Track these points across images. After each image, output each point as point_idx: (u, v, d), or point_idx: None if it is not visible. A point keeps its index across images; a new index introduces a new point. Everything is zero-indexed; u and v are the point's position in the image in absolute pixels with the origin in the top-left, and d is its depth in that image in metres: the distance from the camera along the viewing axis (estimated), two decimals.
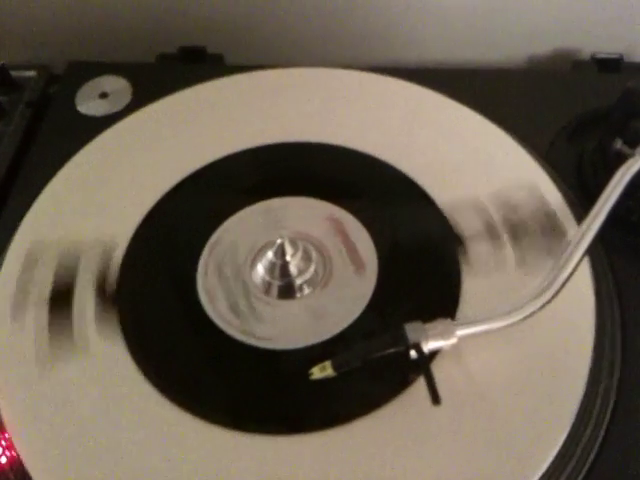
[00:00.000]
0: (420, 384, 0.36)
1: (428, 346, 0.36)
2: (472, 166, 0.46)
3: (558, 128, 0.49)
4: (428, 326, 0.37)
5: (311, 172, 0.46)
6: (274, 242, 0.40)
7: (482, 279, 0.41)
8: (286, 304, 0.40)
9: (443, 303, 0.40)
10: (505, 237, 0.42)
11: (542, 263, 0.40)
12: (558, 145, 0.49)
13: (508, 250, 0.42)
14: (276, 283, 0.41)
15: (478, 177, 0.45)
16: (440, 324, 0.37)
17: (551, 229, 0.42)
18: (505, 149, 0.47)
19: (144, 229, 0.44)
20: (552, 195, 0.44)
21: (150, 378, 0.37)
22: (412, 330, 0.36)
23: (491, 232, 0.43)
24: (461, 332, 0.37)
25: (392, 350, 0.36)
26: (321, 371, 0.36)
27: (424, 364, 0.35)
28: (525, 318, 0.37)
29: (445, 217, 0.43)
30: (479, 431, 0.35)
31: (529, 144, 0.48)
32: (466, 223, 0.43)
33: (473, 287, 0.40)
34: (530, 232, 0.42)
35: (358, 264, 0.41)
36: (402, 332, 0.36)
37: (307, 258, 0.41)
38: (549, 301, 0.37)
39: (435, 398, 0.33)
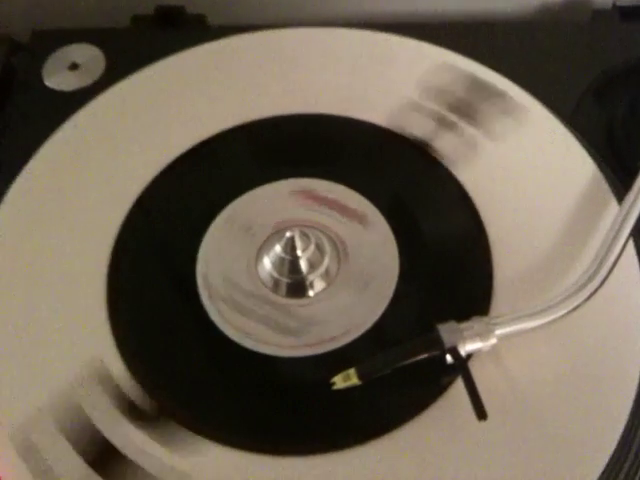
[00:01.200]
0: (456, 389, 0.33)
1: (465, 348, 0.32)
2: None
3: (581, 88, 0.44)
4: (463, 326, 0.33)
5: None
6: (283, 236, 0.35)
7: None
8: (300, 302, 0.36)
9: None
10: (459, 120, 0.41)
11: (507, 127, 0.41)
12: (583, 108, 0.44)
13: (471, 130, 0.40)
14: (285, 280, 0.36)
15: None
16: (476, 323, 0.33)
17: (490, 94, 0.41)
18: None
19: (132, 220, 0.39)
20: (588, 168, 0.39)
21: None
22: (446, 331, 0.32)
23: (444, 123, 0.41)
24: (501, 331, 0.33)
25: (425, 355, 0.32)
26: (344, 380, 0.32)
27: (464, 371, 0.31)
28: (570, 312, 0.33)
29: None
30: (526, 440, 0.32)
31: (550, 108, 0.43)
32: (418, 127, 0.41)
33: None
34: (475, 104, 0.41)
35: (359, 217, 0.38)
36: (436, 334, 0.32)
37: (320, 249, 0.36)
38: (595, 291, 0.33)
39: (480, 412, 0.30)
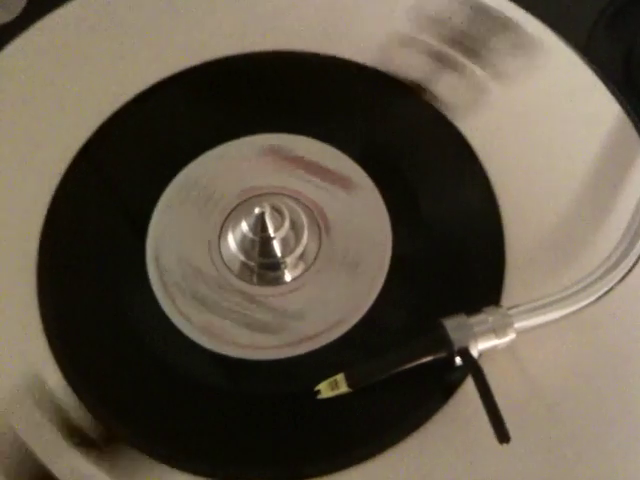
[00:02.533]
0: (465, 389, 0.27)
1: (478, 347, 0.26)
2: None
3: (592, 18, 0.38)
4: (475, 320, 0.27)
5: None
6: (251, 213, 0.28)
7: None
8: (274, 291, 0.30)
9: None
10: (460, 57, 0.34)
11: (518, 64, 0.34)
12: (596, 40, 0.37)
13: (475, 69, 0.33)
14: (255, 264, 0.30)
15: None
16: (491, 315, 0.27)
17: (498, 25, 0.34)
18: None
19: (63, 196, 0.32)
20: (613, 113, 0.33)
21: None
22: (455, 327, 0.27)
23: (442, 60, 0.33)
24: (520, 324, 0.27)
25: (430, 358, 0.26)
26: (332, 388, 0.27)
27: (478, 379, 0.25)
28: (599, 298, 0.27)
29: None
30: (547, 450, 0.26)
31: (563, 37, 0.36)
32: (409, 66, 0.33)
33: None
34: (480, 38, 0.34)
35: (342, 181, 0.31)
36: (443, 332, 0.26)
37: (296, 227, 0.29)
38: (623, 278, 0.27)
39: (502, 434, 0.24)
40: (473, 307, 0.27)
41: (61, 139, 0.33)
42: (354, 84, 0.34)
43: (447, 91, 0.33)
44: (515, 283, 0.29)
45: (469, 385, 0.27)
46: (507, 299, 0.29)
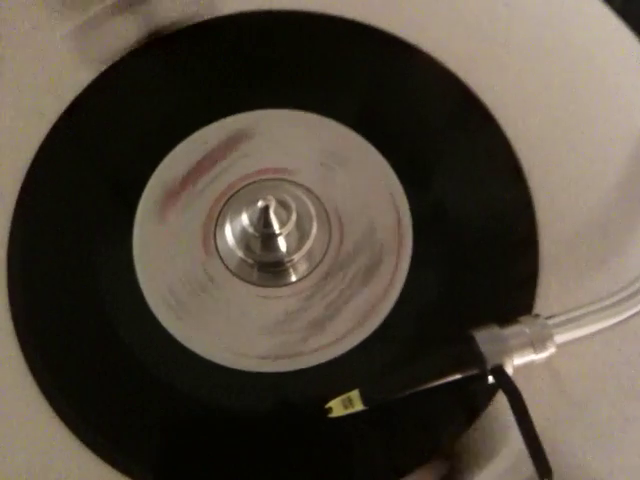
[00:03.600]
0: (493, 409, 0.24)
1: (513, 363, 0.23)
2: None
3: None
4: (509, 331, 0.23)
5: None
6: (253, 206, 0.25)
7: None
8: (278, 292, 0.26)
9: None
10: None
11: None
12: None
13: None
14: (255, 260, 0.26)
15: None
16: (527, 325, 0.23)
17: None
18: None
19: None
20: None
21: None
22: (487, 341, 0.23)
23: None
24: (561, 337, 0.23)
25: (457, 376, 0.23)
26: (345, 406, 0.23)
27: (516, 404, 0.22)
28: None
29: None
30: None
31: None
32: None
33: None
34: None
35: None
36: (474, 347, 0.23)
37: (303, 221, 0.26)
38: None
39: (544, 468, 0.21)
40: (501, 314, 0.24)
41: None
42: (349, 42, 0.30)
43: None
44: (549, 285, 0.26)
45: (498, 404, 0.24)
46: (541, 306, 0.25)
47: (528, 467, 0.21)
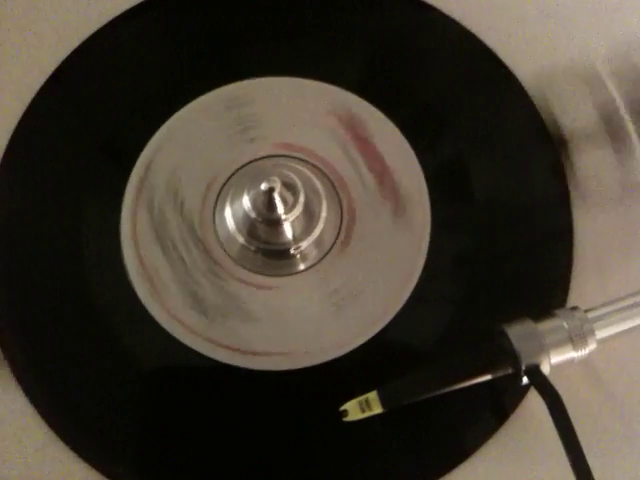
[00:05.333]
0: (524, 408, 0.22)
1: (550, 362, 0.20)
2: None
3: None
4: (545, 326, 0.21)
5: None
6: (255, 188, 0.22)
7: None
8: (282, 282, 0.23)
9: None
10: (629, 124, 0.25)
11: None
12: None
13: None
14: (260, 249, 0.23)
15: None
16: (565, 319, 0.21)
17: None
18: None
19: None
20: None
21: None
22: (521, 337, 0.21)
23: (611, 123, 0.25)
24: (602, 331, 0.21)
25: (488, 377, 0.20)
26: (361, 409, 0.21)
27: (555, 408, 0.19)
28: None
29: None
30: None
31: None
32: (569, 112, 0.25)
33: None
34: None
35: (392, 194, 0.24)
36: (507, 344, 0.20)
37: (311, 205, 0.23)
38: None
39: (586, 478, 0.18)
40: (533, 307, 0.21)
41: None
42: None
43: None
44: (584, 275, 0.23)
45: (529, 402, 0.21)
46: (575, 291, 0.23)
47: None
